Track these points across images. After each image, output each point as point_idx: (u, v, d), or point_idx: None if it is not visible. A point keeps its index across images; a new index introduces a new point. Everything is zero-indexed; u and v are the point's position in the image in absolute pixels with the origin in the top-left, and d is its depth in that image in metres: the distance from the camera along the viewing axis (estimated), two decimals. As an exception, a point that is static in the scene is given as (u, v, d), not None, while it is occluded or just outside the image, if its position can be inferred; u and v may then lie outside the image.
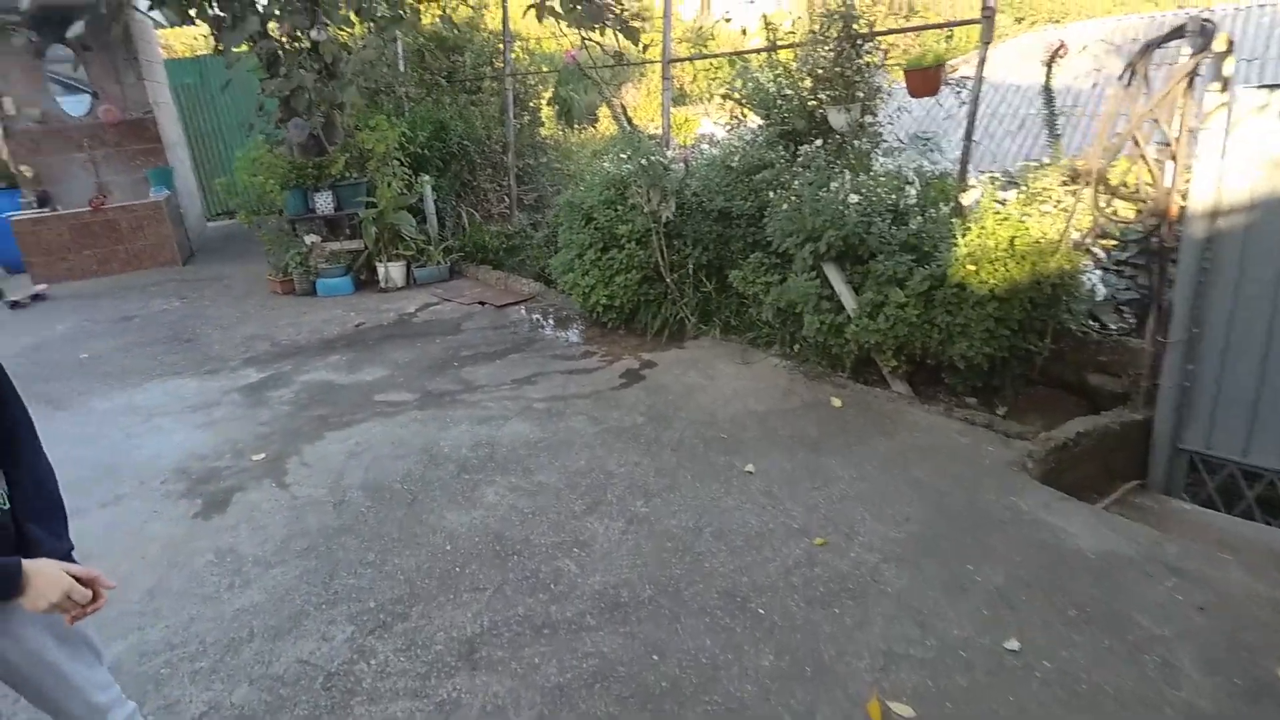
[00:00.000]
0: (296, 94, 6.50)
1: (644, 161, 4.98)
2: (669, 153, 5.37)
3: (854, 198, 4.39)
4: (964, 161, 4.83)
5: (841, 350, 4.54)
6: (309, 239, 6.95)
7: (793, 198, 4.60)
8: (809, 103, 5.05)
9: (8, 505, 1.44)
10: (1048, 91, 4.43)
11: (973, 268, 4.07)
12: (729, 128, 5.82)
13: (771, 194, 4.76)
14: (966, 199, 4.60)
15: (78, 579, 1.39)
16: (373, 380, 4.89)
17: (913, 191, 4.59)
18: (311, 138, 6.87)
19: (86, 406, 4.66)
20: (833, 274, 4.52)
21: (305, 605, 2.74)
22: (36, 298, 7.82)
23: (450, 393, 4.65)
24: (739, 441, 3.92)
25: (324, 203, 6.83)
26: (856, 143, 5.15)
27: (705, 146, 5.84)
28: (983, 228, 4.14)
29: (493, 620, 2.64)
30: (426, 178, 7.34)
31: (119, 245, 8.58)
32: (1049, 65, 4.89)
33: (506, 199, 8.18)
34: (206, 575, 2.93)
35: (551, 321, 6.02)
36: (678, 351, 5.23)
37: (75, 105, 8.99)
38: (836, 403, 4.38)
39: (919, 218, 4.50)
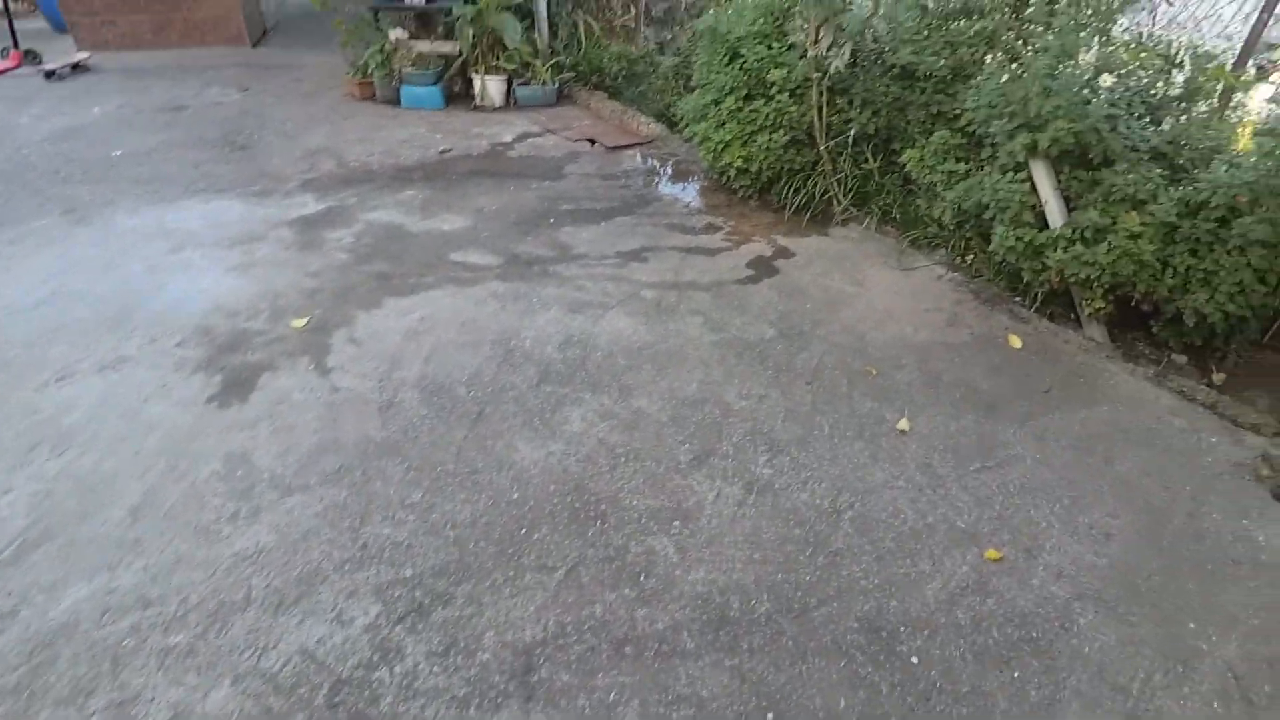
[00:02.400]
0: None
1: (817, -14, 3.76)
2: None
3: (1107, 80, 3.16)
4: (1256, 36, 3.46)
5: (1034, 277, 3.51)
6: (394, 34, 5.94)
7: (1015, 68, 3.38)
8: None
9: None
10: None
11: (1245, 199, 2.93)
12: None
13: (987, 57, 3.54)
14: (1260, 100, 3.30)
15: None
16: (450, 231, 4.12)
17: (1180, 78, 3.31)
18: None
19: (110, 223, 4.02)
20: (1043, 177, 3.39)
21: (323, 562, 2.12)
22: (76, 68, 6.93)
23: (541, 261, 3.86)
24: (891, 383, 3.06)
25: (413, -13, 5.75)
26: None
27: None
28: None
29: (560, 622, 1.98)
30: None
31: (175, 12, 7.51)
32: None
33: (634, 8, 6.86)
34: (208, 493, 2.33)
35: (671, 177, 5.04)
36: (819, 240, 4.24)
37: None
38: (1015, 342, 3.43)
39: (1180, 115, 3.29)
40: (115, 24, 7.49)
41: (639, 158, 5.29)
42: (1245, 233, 2.96)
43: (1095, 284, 3.34)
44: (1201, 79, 3.45)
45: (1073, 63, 3.22)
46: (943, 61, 3.91)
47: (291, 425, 2.63)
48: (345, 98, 6.14)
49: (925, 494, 2.50)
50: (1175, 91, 3.32)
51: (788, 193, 4.49)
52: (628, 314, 3.43)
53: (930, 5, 4.02)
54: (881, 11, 4.10)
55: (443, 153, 5.14)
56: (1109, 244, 3.21)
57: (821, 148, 4.36)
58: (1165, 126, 3.26)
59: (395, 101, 5.99)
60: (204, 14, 7.51)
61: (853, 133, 4.25)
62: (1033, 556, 2.27)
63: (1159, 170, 3.17)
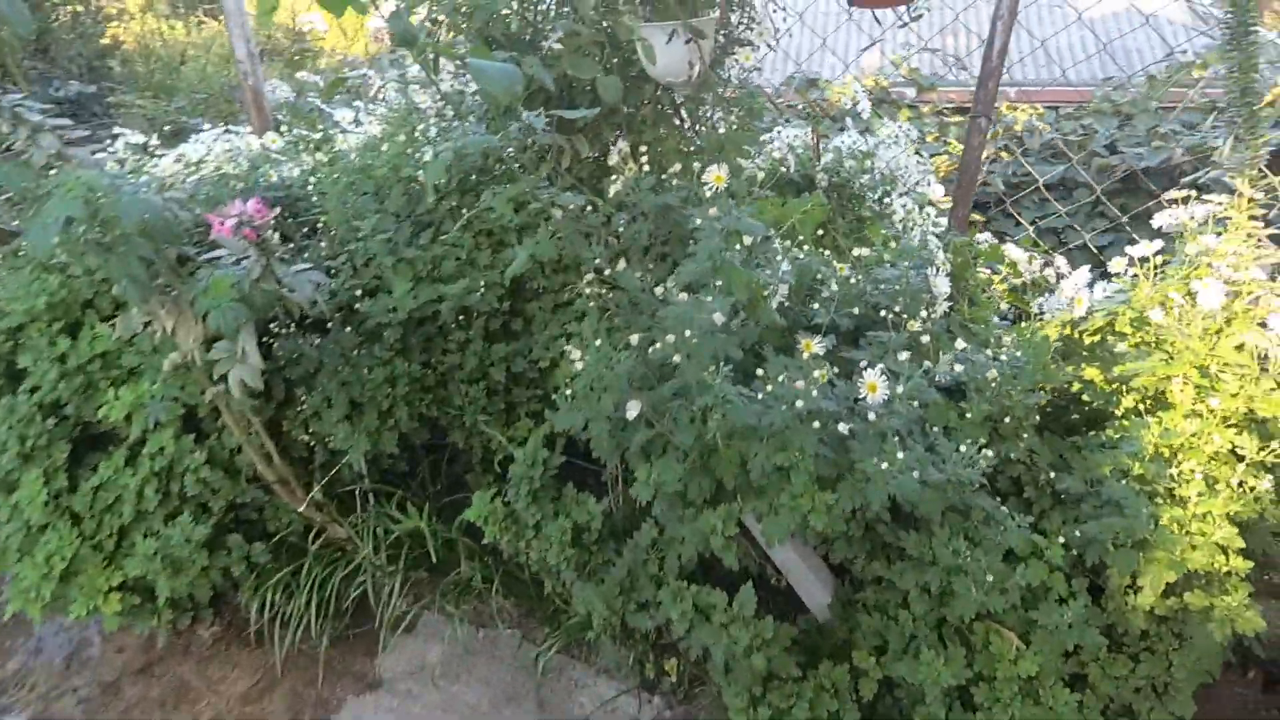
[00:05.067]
0: None
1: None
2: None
3: (879, 380, 1.29)
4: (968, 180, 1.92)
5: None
6: None
7: (620, 352, 1.36)
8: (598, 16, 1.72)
9: None
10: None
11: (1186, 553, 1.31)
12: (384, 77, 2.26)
13: (558, 346, 1.46)
14: (1077, 305, 1.66)
15: None
16: None
17: (945, 286, 1.60)
18: None
19: None
20: (792, 563, 1.46)
21: None
22: None
23: None
24: None
25: None
26: (707, 114, 1.97)
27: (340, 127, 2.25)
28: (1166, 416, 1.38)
29: None
30: None
31: None
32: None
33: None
34: None
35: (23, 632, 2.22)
36: (365, 702, 1.88)
37: None
38: None
39: (989, 377, 1.49)
40: None
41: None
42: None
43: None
44: (958, 262, 1.82)
45: (752, 318, 1.31)
46: (481, 277, 1.79)
47: None
48: None
49: None
50: (940, 311, 1.60)
51: (268, 606, 2.03)
52: None
53: (437, 180, 1.85)
54: (327, 238, 1.86)
55: None
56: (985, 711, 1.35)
57: (314, 495, 1.98)
58: (949, 369, 1.51)
59: None
60: None
61: (355, 460, 1.94)
62: None
63: (1018, 518, 1.40)
